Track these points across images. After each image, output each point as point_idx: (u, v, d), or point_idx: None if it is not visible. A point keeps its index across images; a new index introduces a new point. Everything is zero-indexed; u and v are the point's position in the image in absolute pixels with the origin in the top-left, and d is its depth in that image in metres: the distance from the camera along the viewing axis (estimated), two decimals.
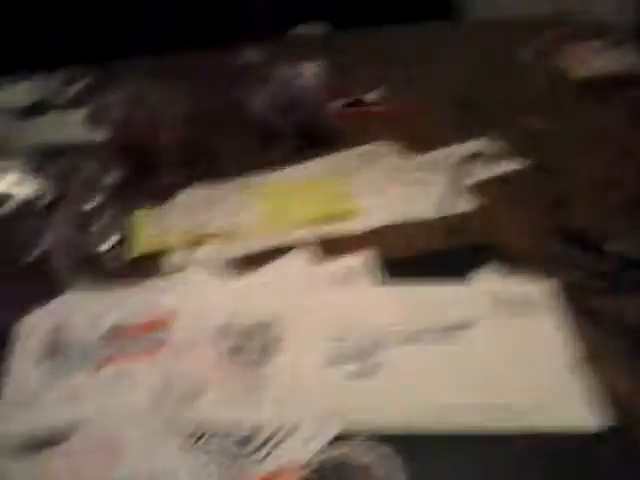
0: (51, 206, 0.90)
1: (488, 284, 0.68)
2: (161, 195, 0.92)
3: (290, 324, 0.65)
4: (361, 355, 0.62)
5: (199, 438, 0.56)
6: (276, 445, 0.55)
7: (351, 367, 0.61)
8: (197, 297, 0.70)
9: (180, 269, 0.77)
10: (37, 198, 0.93)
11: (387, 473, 0.51)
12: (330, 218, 0.84)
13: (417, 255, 0.76)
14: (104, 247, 0.84)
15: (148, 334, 0.66)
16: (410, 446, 0.53)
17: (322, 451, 0.53)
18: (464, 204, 0.85)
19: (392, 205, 0.87)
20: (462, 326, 0.63)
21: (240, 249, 0.80)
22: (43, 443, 0.57)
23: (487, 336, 0.62)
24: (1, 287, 0.80)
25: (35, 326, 0.69)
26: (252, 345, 0.63)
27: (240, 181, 0.93)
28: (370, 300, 0.68)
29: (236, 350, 0.63)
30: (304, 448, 0.54)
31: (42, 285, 0.74)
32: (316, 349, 0.63)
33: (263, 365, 0.62)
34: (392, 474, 0.51)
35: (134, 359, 0.64)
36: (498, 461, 0.53)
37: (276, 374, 0.61)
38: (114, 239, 0.85)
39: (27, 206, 0.91)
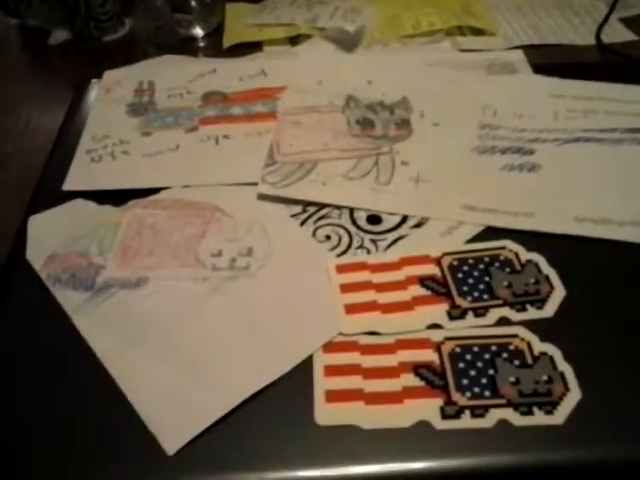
0: None
1: None
2: None
3: (430, 103, 0.52)
4: (518, 148, 0.48)
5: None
6: (406, 234, 0.42)
7: (506, 159, 0.47)
8: (313, 68, 0.57)
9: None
10: None
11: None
12: (462, 32, 0.69)
13: (572, 67, 0.61)
14: (198, 32, 0.71)
15: (252, 102, 0.54)
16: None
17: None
18: (622, 34, 0.69)
19: (534, 27, 0.71)
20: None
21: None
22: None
23: None
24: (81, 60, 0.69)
25: (121, 81, 0.56)
26: (385, 119, 0.50)
27: None
28: (525, 91, 0.53)
29: (366, 122, 0.50)
30: (439, 241, 0.42)
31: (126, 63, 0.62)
32: (464, 133, 0.49)
33: (399, 141, 0.49)
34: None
35: (236, 123, 0.52)
36: None
37: (415, 153, 0.48)
38: (209, 25, 0.73)
39: None
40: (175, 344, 0.37)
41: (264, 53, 0.68)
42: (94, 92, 0.57)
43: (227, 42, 0.72)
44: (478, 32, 0.72)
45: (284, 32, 0.72)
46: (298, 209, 0.45)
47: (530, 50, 0.67)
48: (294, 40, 0.72)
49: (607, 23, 0.73)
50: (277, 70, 0.58)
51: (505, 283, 0.40)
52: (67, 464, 0.33)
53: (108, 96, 0.56)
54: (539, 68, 0.59)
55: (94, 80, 0.59)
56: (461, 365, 0.36)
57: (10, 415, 0.35)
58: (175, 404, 0.34)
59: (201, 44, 0.74)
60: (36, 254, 0.42)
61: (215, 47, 0.72)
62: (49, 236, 0.43)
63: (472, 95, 0.54)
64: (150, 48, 0.73)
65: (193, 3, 0.74)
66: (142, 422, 0.34)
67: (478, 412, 0.34)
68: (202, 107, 0.54)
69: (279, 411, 0.34)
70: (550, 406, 0.34)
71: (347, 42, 0.66)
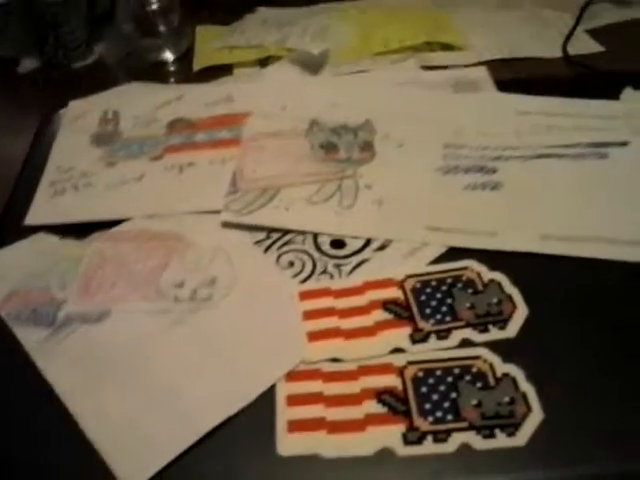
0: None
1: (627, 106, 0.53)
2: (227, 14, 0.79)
3: (395, 124, 0.52)
4: (481, 167, 0.48)
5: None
6: (369, 257, 0.42)
7: (470, 178, 0.48)
8: (278, 92, 0.57)
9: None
10: None
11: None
12: (432, 48, 0.69)
13: (538, 82, 0.62)
14: (167, 56, 0.72)
15: (217, 129, 0.54)
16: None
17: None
18: (589, 46, 0.70)
19: (502, 41, 0.72)
20: (601, 144, 0.49)
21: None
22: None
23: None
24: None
25: (86, 111, 0.56)
26: (349, 142, 0.50)
27: (319, 7, 0.79)
28: (489, 109, 0.54)
29: (329, 146, 0.50)
30: (403, 264, 0.42)
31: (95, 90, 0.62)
32: (428, 153, 0.50)
33: (363, 164, 0.49)
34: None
35: (200, 150, 0.52)
36: None
37: (378, 175, 0.48)
38: (179, 49, 0.74)
39: None
40: (138, 378, 0.37)
41: (233, 77, 0.69)
42: (60, 122, 0.57)
43: (197, 65, 0.72)
44: (448, 48, 0.73)
45: (254, 54, 0.72)
46: (262, 236, 0.45)
47: (499, 64, 0.68)
48: (264, 62, 0.72)
49: (574, 35, 0.74)
50: (243, 95, 0.58)
51: (467, 304, 0.40)
52: None
53: (74, 126, 0.56)
54: (504, 84, 0.59)
55: (61, 110, 0.59)
56: (424, 389, 0.36)
57: None
58: (138, 438, 0.34)
59: (171, 68, 0.74)
60: None
61: (185, 71, 0.72)
62: (10, 272, 0.43)
63: (437, 114, 0.55)
64: (120, 74, 0.73)
65: (162, 28, 0.74)
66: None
67: (440, 437, 0.34)
68: (167, 135, 0.55)
69: (241, 442, 0.34)
70: (512, 427, 0.34)
71: (313, 64, 0.66)
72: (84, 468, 0.34)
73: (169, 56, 0.74)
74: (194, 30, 0.78)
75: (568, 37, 0.73)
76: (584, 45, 0.73)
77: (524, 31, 0.76)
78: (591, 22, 0.76)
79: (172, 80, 0.72)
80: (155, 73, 0.72)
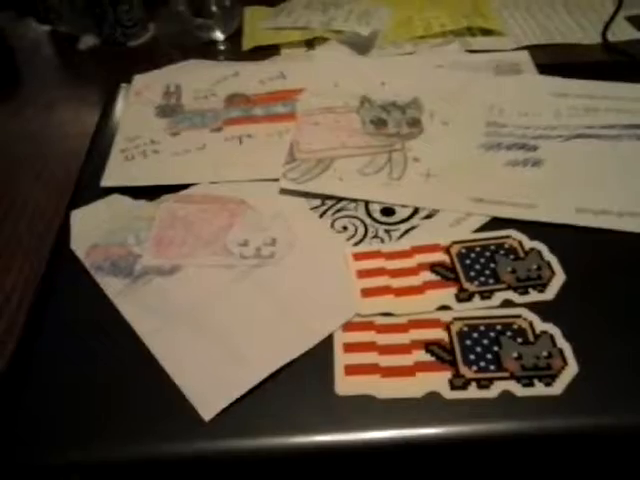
0: None
1: None
2: None
3: (440, 104, 0.56)
4: (523, 145, 0.51)
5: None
6: (417, 224, 0.45)
7: (511, 155, 0.51)
8: (330, 70, 0.61)
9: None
10: None
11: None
12: (472, 32, 0.72)
13: (577, 67, 0.64)
14: (218, 36, 0.76)
15: (272, 104, 0.58)
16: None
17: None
18: (628, 33, 0.72)
19: (542, 27, 0.75)
20: (638, 126, 0.52)
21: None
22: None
23: None
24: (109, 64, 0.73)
25: (150, 84, 0.60)
26: (397, 118, 0.54)
27: None
28: (529, 90, 0.57)
29: (379, 122, 0.53)
30: (449, 231, 0.45)
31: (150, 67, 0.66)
32: (472, 131, 0.53)
33: (410, 139, 0.52)
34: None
35: (258, 123, 0.56)
36: None
37: (425, 150, 0.51)
38: (229, 29, 0.78)
39: None
40: (208, 324, 0.41)
41: (282, 56, 0.72)
42: (124, 95, 0.61)
43: (246, 45, 0.76)
44: (487, 33, 0.76)
45: (300, 35, 0.76)
46: (317, 202, 0.49)
47: (537, 50, 0.70)
48: (310, 43, 0.75)
49: (614, 21, 0.76)
50: (295, 73, 0.61)
51: (509, 269, 0.43)
52: (111, 424, 0.37)
53: (138, 99, 0.60)
54: (544, 68, 0.62)
55: (123, 84, 0.63)
56: (468, 342, 0.39)
57: (62, 385, 0.39)
58: (210, 376, 0.38)
59: (221, 47, 0.78)
60: (79, 245, 0.46)
61: (235, 50, 0.76)
62: (90, 228, 0.47)
63: (479, 95, 0.58)
64: (173, 52, 0.77)
65: (213, 8, 0.77)
66: (180, 393, 0.38)
67: (483, 384, 0.37)
68: (226, 108, 0.58)
69: (303, 383, 0.38)
70: (549, 378, 0.37)
71: (361, 45, 0.70)
72: (166, 398, 0.38)
73: (219, 35, 0.78)
74: (243, 11, 0.81)
75: (608, 24, 0.75)
76: (624, 32, 0.75)
77: (564, 17, 0.78)
78: (632, 9, 0.78)
79: (222, 58, 0.75)
80: (206, 51, 0.76)
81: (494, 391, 0.37)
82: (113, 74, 0.68)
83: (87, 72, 0.76)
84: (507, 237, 0.45)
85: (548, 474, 0.38)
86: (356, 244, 0.46)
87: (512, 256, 0.44)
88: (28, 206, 0.57)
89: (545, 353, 0.38)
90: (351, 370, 0.38)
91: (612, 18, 0.76)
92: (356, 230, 0.46)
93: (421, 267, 0.44)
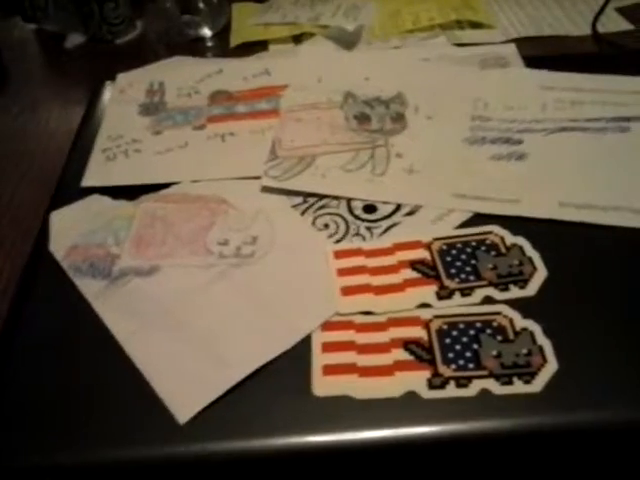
0: None
1: None
2: None
3: (424, 98, 0.55)
4: (507, 139, 0.51)
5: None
6: (399, 221, 0.45)
7: (496, 149, 0.50)
8: (314, 66, 0.60)
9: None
10: None
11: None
12: (461, 26, 0.71)
13: (567, 59, 0.63)
14: (206, 32, 0.75)
15: (256, 101, 0.57)
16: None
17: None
18: (618, 24, 0.71)
19: (532, 19, 0.74)
20: (623, 119, 0.52)
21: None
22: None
23: None
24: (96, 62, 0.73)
25: (133, 82, 0.60)
26: (381, 113, 0.53)
27: None
28: (514, 84, 0.56)
29: (362, 117, 0.53)
30: (430, 228, 0.45)
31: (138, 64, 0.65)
32: (456, 125, 0.52)
33: (394, 134, 0.52)
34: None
35: (241, 120, 0.55)
36: None
37: (409, 145, 0.51)
38: (217, 26, 0.77)
39: None
40: (186, 325, 0.40)
41: (269, 52, 0.72)
42: (108, 94, 0.61)
43: (234, 42, 0.76)
44: (477, 26, 0.75)
45: (288, 31, 0.75)
46: (299, 200, 0.49)
47: (526, 42, 0.70)
48: (298, 38, 0.75)
49: (603, 13, 0.76)
50: (280, 69, 0.61)
51: (490, 265, 0.43)
52: (86, 428, 0.36)
53: (121, 97, 0.60)
54: (531, 61, 0.61)
55: (108, 82, 0.62)
56: (447, 341, 0.39)
57: (38, 387, 0.39)
58: (186, 378, 0.38)
59: (209, 44, 0.77)
60: (59, 246, 0.46)
61: (222, 46, 0.76)
62: (69, 229, 0.47)
63: (465, 89, 0.57)
64: (160, 49, 0.77)
65: (201, 5, 0.77)
66: (156, 396, 0.37)
67: (462, 382, 0.37)
68: (209, 106, 0.58)
69: (280, 384, 0.38)
70: (529, 376, 0.37)
71: (346, 40, 0.69)
72: (141, 401, 0.37)
73: (207, 32, 0.77)
74: (231, 7, 0.80)
75: (598, 15, 0.74)
76: (614, 23, 0.74)
77: (554, 8, 0.77)
78: (621, 0, 0.77)
79: (210, 55, 0.75)
80: (194, 48, 0.75)
81: (473, 390, 0.37)
82: (99, 72, 0.68)
83: (74, 70, 0.76)
84: (489, 233, 0.45)
85: (528, 472, 0.38)
86: (337, 242, 0.45)
87: (493, 252, 0.44)
88: (13, 203, 0.57)
89: (525, 351, 0.38)
90: (329, 370, 0.38)
91: (602, 9, 0.75)
92: (337, 228, 0.46)
93: (402, 265, 0.43)
